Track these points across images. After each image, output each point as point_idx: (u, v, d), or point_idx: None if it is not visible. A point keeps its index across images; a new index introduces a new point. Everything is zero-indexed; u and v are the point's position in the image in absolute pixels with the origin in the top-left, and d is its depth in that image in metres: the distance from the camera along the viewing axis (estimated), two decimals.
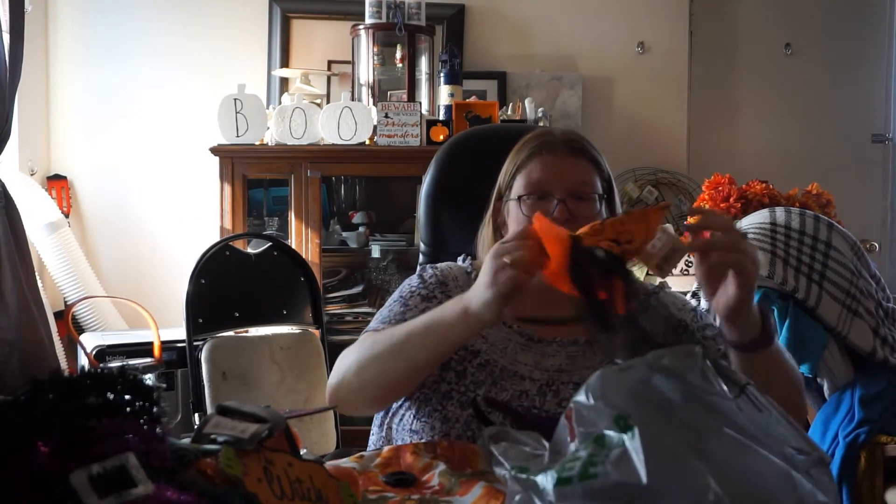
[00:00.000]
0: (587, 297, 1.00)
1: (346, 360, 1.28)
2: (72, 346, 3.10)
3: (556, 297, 1.07)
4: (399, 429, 1.31)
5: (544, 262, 1.05)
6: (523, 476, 0.79)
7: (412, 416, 1.29)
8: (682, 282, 3.10)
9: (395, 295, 1.41)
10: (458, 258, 1.50)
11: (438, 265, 1.45)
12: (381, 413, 1.37)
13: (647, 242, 1.04)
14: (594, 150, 1.41)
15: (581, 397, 0.79)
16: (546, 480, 0.74)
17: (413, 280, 1.42)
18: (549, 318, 1.32)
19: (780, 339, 1.97)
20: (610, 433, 0.73)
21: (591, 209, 1.33)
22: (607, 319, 0.98)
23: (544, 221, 1.07)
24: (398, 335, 1.22)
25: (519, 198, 1.35)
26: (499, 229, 1.43)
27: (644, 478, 0.69)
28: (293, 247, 2.90)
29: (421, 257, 1.77)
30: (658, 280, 2.16)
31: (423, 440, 1.27)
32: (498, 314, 1.10)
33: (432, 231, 1.73)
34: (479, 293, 1.11)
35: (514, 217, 1.36)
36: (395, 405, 1.35)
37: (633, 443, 0.71)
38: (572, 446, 0.77)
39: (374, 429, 1.39)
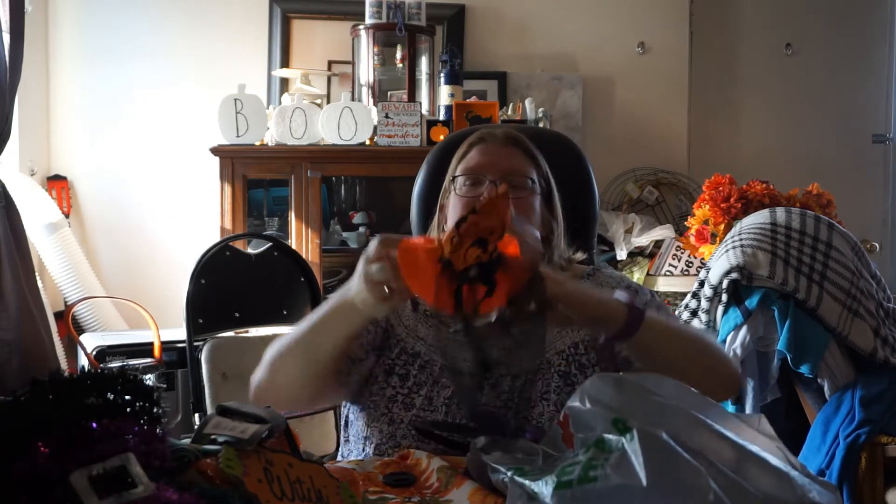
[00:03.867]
0: (468, 324, 1.06)
1: (265, 357, 1.32)
2: (72, 347, 3.10)
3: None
4: (355, 438, 1.36)
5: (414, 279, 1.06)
6: (521, 479, 0.79)
7: (364, 424, 1.34)
8: (680, 282, 3.10)
9: None
10: None
11: None
12: (343, 427, 1.41)
13: (507, 227, 1.04)
14: (533, 147, 1.45)
15: (576, 402, 0.79)
16: (545, 485, 0.74)
17: None
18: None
19: (781, 340, 1.97)
20: (609, 436, 0.73)
21: (524, 188, 1.38)
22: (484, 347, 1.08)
23: (408, 249, 1.07)
24: (301, 331, 1.26)
25: (453, 178, 1.39)
26: (443, 211, 1.46)
27: (644, 480, 0.69)
28: (293, 247, 2.90)
29: None
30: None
31: (373, 444, 1.31)
32: (381, 310, 1.14)
33: (425, 231, 1.73)
34: (360, 294, 1.12)
35: (452, 201, 1.41)
36: (350, 416, 1.39)
37: (632, 445, 0.71)
38: (570, 453, 0.77)
39: (342, 444, 1.43)
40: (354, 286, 1.14)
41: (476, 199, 1.33)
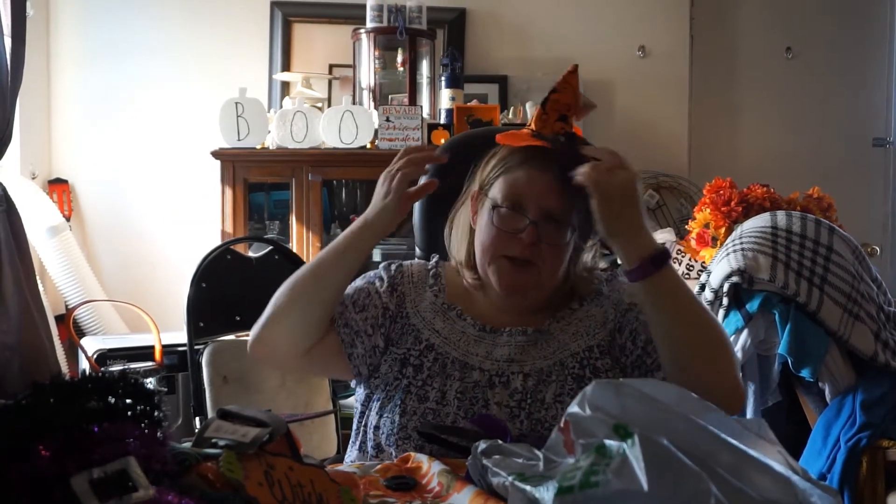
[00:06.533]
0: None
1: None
2: (73, 350, 3.10)
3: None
4: (367, 430, 1.35)
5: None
6: (522, 485, 0.79)
7: (376, 414, 1.34)
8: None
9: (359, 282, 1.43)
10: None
11: (403, 262, 1.48)
12: (356, 419, 1.40)
13: (580, 99, 1.37)
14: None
15: (576, 409, 0.79)
16: (547, 491, 0.74)
17: (380, 272, 1.44)
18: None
19: (782, 343, 1.97)
20: (610, 442, 0.73)
21: (562, 236, 1.31)
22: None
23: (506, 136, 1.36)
24: (306, 268, 1.35)
25: (494, 206, 1.33)
26: (472, 213, 1.41)
27: (645, 485, 0.69)
28: (294, 250, 2.90)
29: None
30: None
31: (384, 434, 1.31)
32: (392, 220, 1.32)
33: (427, 235, 1.72)
34: (376, 204, 1.33)
35: (485, 220, 1.34)
36: (361, 407, 1.38)
37: (633, 450, 0.71)
38: (571, 459, 0.77)
39: (352, 436, 1.41)
40: (372, 206, 1.34)
41: (509, 234, 1.30)
